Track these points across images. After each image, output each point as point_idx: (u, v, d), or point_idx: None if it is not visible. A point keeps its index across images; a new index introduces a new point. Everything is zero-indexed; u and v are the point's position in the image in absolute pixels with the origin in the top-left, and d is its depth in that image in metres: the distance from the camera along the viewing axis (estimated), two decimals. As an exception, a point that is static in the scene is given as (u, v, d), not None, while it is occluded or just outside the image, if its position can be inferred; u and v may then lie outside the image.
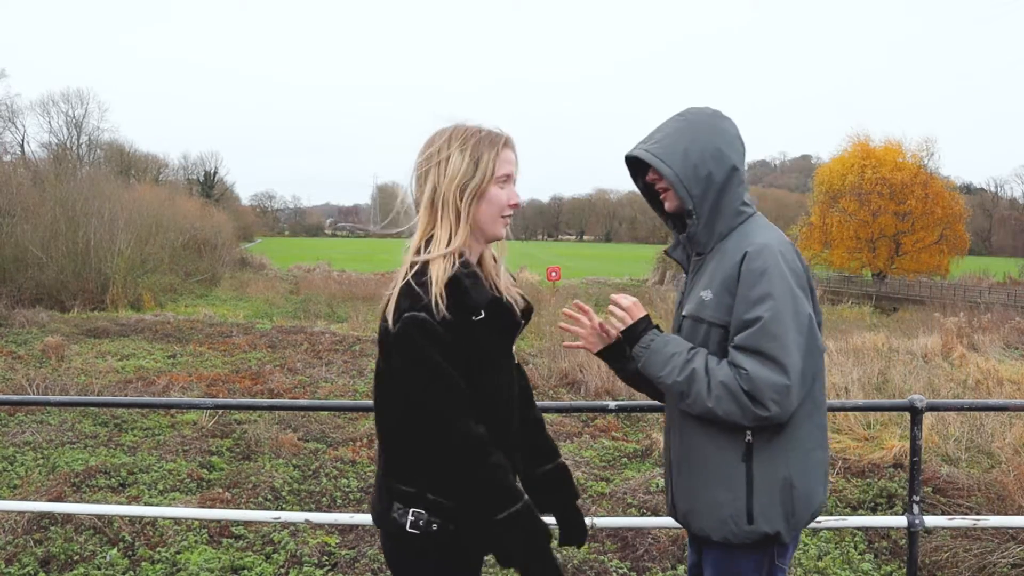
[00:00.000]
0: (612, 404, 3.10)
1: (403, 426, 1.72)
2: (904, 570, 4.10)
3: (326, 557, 4.35)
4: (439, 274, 1.69)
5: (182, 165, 75.29)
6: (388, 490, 1.77)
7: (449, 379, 1.66)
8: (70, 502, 5.20)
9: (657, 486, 5.78)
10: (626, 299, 1.95)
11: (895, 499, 5.64)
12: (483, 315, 1.72)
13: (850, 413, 7.87)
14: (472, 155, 1.75)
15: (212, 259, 33.50)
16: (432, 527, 1.71)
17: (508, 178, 1.81)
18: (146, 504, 5.35)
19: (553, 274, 32.22)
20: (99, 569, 4.15)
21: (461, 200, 1.75)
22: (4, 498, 5.41)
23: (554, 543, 1.80)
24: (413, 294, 1.68)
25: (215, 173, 78.54)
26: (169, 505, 5.34)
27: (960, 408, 3.80)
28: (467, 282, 1.71)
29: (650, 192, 2.01)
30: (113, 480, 5.85)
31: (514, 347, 1.92)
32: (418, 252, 1.75)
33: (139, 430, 7.59)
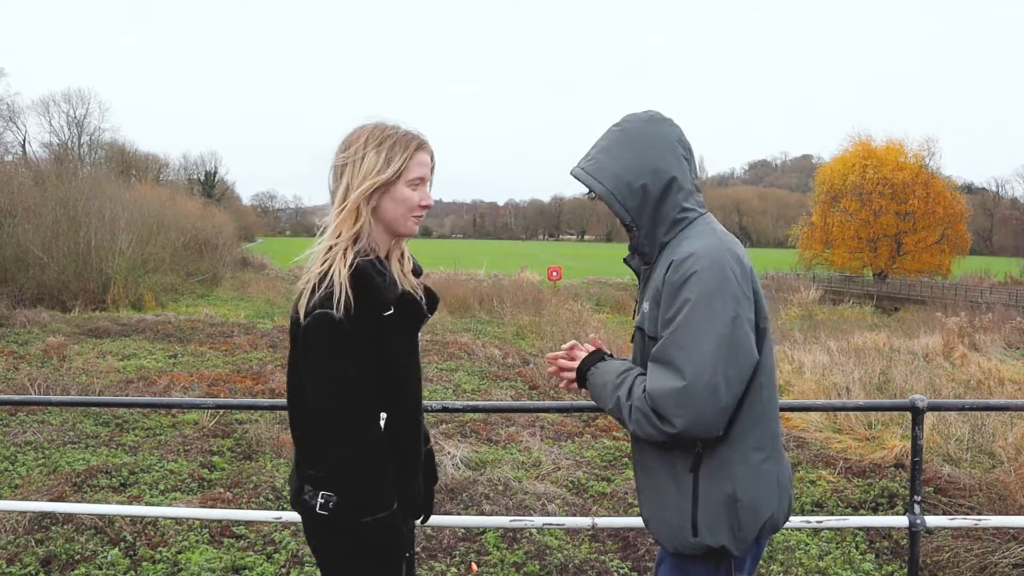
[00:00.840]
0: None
1: (310, 415, 1.77)
2: (905, 570, 4.10)
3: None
4: (349, 270, 1.74)
5: (182, 165, 75.29)
6: (300, 473, 1.83)
7: (351, 381, 1.72)
8: (71, 502, 5.20)
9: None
10: (561, 352, 2.01)
11: (896, 499, 5.63)
12: (392, 311, 1.79)
13: (851, 413, 7.88)
14: (386, 155, 1.80)
15: (213, 259, 33.47)
16: (339, 510, 1.76)
17: (421, 180, 1.86)
18: (147, 504, 5.35)
19: (554, 274, 32.23)
20: (100, 569, 4.15)
21: (371, 198, 1.80)
22: (5, 498, 5.42)
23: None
24: (324, 289, 1.72)
25: (215, 173, 78.57)
26: (170, 505, 5.35)
27: (961, 408, 3.79)
28: (377, 279, 1.77)
29: None
30: (114, 480, 5.85)
31: (419, 336, 2.00)
32: (330, 247, 1.79)
33: (140, 430, 7.60)
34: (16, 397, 3.90)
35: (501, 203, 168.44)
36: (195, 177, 74.80)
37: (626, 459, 6.91)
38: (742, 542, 1.76)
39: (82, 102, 52.60)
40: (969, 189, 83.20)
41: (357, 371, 1.72)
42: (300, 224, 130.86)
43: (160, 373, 10.74)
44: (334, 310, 1.69)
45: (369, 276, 1.76)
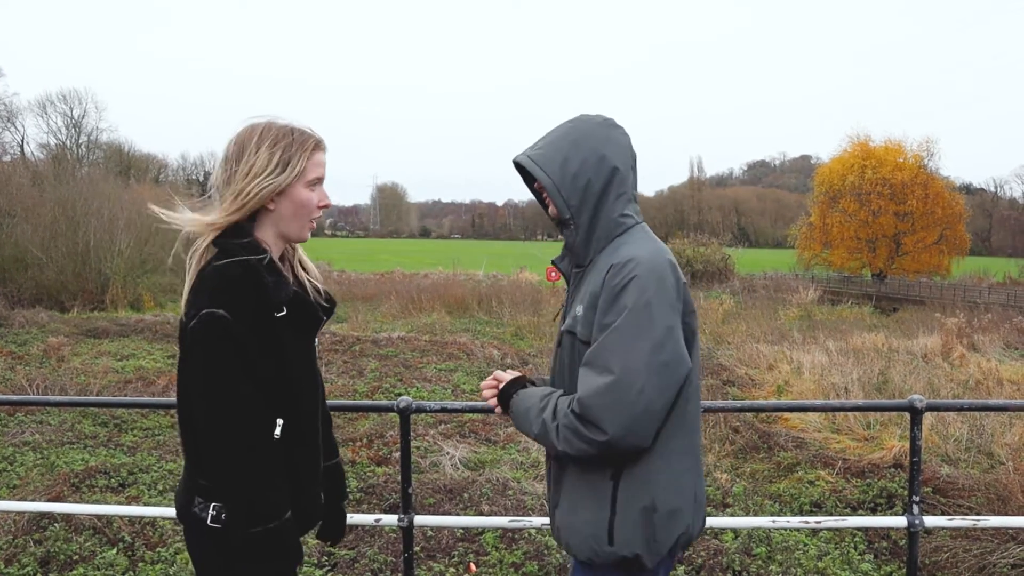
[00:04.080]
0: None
1: (198, 422, 1.70)
2: (904, 570, 4.10)
3: (326, 557, 4.35)
4: (240, 269, 1.68)
5: (181, 165, 75.37)
6: (190, 484, 1.77)
7: (239, 384, 1.65)
8: (70, 502, 5.20)
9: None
10: (490, 381, 1.99)
11: (895, 499, 5.63)
12: (285, 311, 1.73)
13: (850, 413, 7.88)
14: (282, 156, 1.74)
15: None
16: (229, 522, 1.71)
17: (319, 180, 1.81)
18: (146, 504, 5.34)
19: (553, 274, 32.22)
20: (98, 569, 4.15)
21: (266, 198, 1.74)
22: (4, 498, 5.41)
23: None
24: (212, 288, 1.66)
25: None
26: (169, 505, 5.34)
27: (960, 408, 3.79)
28: (269, 279, 1.71)
29: (541, 196, 1.97)
30: (113, 480, 5.84)
31: (316, 341, 1.94)
32: (218, 245, 1.73)
33: (139, 430, 7.59)
34: (14, 397, 3.90)
35: (500, 203, 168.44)
36: (194, 177, 74.80)
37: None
38: (656, 553, 1.74)
39: (79, 102, 52.55)
40: (968, 189, 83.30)
41: (246, 374, 1.66)
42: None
43: (159, 373, 10.73)
44: (224, 310, 1.62)
45: (259, 275, 1.69)
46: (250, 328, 1.66)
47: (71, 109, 52.26)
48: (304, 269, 1.91)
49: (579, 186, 1.79)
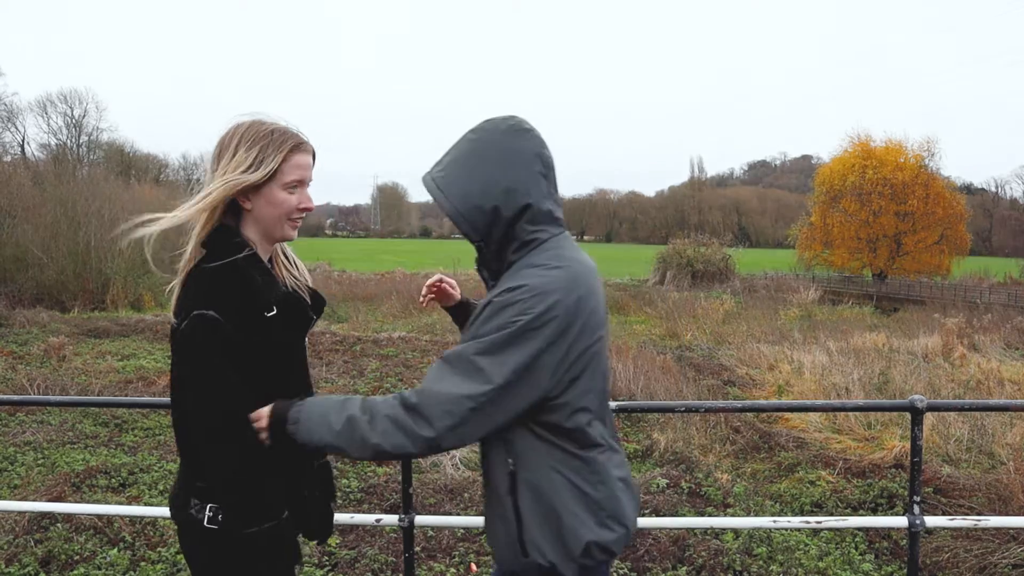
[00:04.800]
0: (612, 404, 3.09)
1: (193, 423, 1.70)
2: (905, 570, 4.10)
3: (326, 557, 4.35)
4: (230, 270, 1.68)
5: (182, 165, 75.18)
6: (186, 485, 1.76)
7: (231, 384, 1.65)
8: (70, 502, 5.20)
9: (658, 486, 5.78)
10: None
11: (896, 499, 5.63)
12: (275, 311, 1.72)
13: (851, 413, 7.88)
14: (257, 155, 1.72)
15: (213, 259, 33.42)
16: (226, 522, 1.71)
17: (299, 183, 1.78)
18: (146, 504, 5.34)
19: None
20: (99, 569, 4.15)
21: (229, 194, 1.72)
22: (4, 498, 5.42)
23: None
24: (202, 289, 1.66)
25: (215, 173, 78.43)
26: (169, 505, 5.33)
27: (961, 408, 3.79)
28: (257, 278, 1.72)
29: None
30: (113, 480, 5.85)
31: (307, 340, 1.94)
32: (204, 244, 1.73)
33: (139, 430, 7.60)
34: (15, 397, 3.90)
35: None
36: (195, 177, 74.32)
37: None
38: (570, 560, 1.73)
39: (80, 102, 52.62)
40: (968, 189, 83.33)
41: (237, 373, 1.65)
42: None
43: (159, 373, 10.74)
44: (214, 311, 1.62)
45: (249, 275, 1.70)
46: (240, 328, 1.65)
47: (71, 109, 52.36)
48: (294, 268, 1.91)
49: (486, 210, 1.70)
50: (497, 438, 1.73)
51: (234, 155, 1.72)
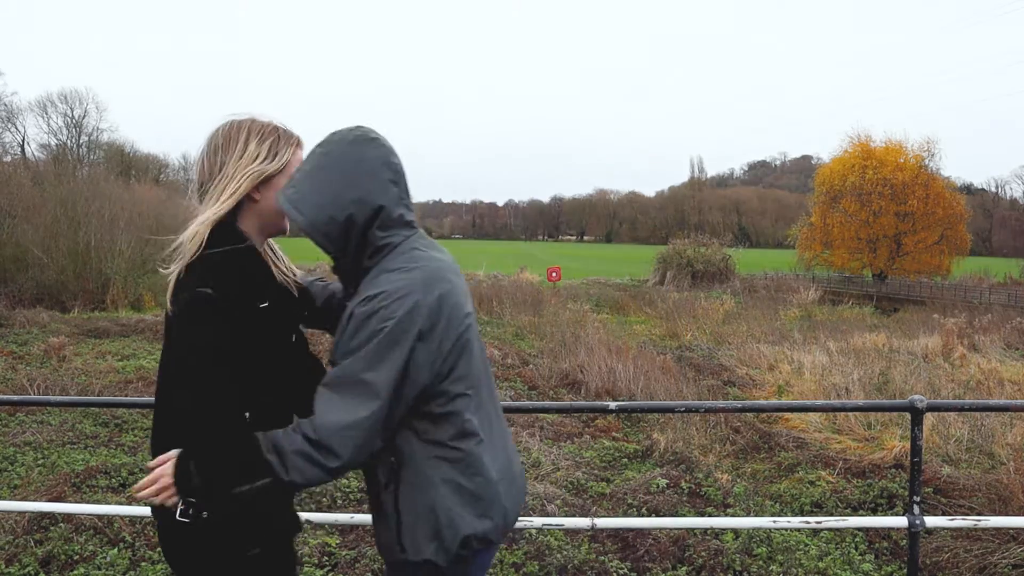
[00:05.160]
0: (612, 405, 3.09)
1: (176, 399, 1.72)
2: (905, 570, 4.10)
3: (326, 557, 4.34)
4: (229, 257, 1.73)
5: (182, 165, 75.18)
6: None
7: (224, 353, 1.66)
8: (70, 502, 5.20)
9: (658, 486, 5.78)
10: (146, 481, 1.75)
11: (896, 499, 5.63)
12: (268, 304, 1.76)
13: (851, 414, 7.88)
14: (271, 147, 1.80)
15: (213, 259, 33.41)
16: (202, 515, 1.72)
17: None
18: (146, 504, 5.34)
19: (553, 274, 32.26)
20: (100, 569, 4.15)
21: (254, 183, 1.78)
22: (4, 498, 5.42)
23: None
24: (202, 272, 1.69)
25: (215, 173, 78.38)
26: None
27: (961, 409, 3.79)
28: (256, 270, 1.76)
29: None
30: (114, 480, 5.84)
31: (306, 332, 1.98)
32: (202, 234, 1.76)
33: (140, 430, 7.59)
34: (15, 397, 3.90)
35: (500, 204, 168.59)
36: (196, 177, 74.62)
37: (626, 459, 6.91)
38: (447, 553, 1.76)
39: (80, 102, 52.60)
40: (968, 190, 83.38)
41: (232, 349, 1.67)
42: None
43: (159, 373, 10.72)
44: (209, 289, 1.66)
45: (247, 264, 1.75)
46: (234, 312, 1.68)
47: (72, 109, 52.35)
48: (281, 263, 1.94)
49: (339, 223, 1.73)
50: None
51: (246, 148, 1.78)
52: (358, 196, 1.74)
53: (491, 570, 4.25)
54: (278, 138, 1.81)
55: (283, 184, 1.80)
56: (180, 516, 1.71)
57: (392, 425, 1.71)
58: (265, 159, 1.78)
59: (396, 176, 1.80)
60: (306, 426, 1.66)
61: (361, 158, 1.76)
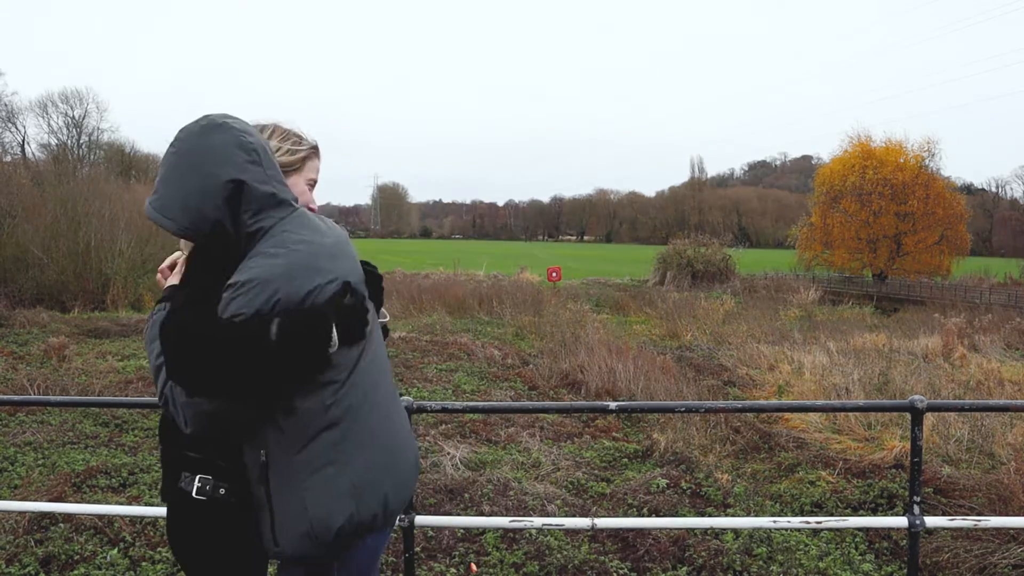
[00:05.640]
0: (612, 405, 3.09)
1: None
2: (905, 571, 4.10)
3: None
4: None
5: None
6: (175, 462, 1.80)
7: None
8: (71, 502, 5.20)
9: (658, 486, 5.78)
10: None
11: (896, 499, 5.63)
12: None
13: (851, 414, 7.89)
14: (291, 145, 1.96)
15: (213, 259, 33.41)
16: (220, 491, 1.76)
17: (313, 183, 2.01)
18: (147, 504, 5.34)
19: (554, 274, 32.25)
20: (99, 569, 4.15)
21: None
22: (5, 498, 5.42)
23: None
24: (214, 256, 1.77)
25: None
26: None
27: (961, 409, 3.80)
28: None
29: None
30: (114, 480, 5.85)
31: None
32: None
33: (140, 430, 7.60)
34: (16, 397, 3.90)
35: (501, 204, 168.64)
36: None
37: (626, 459, 6.91)
38: (322, 547, 1.75)
39: (80, 102, 52.57)
40: (969, 190, 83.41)
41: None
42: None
43: (160, 373, 10.71)
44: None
45: None
46: None
47: (72, 109, 52.28)
48: None
49: (209, 216, 1.69)
50: (249, 432, 1.76)
51: (269, 143, 1.89)
52: (219, 184, 1.69)
53: (491, 570, 4.26)
54: (297, 140, 1.96)
55: (301, 184, 1.93)
56: (197, 494, 1.75)
57: (250, 414, 1.71)
58: (286, 153, 1.92)
59: (254, 156, 1.74)
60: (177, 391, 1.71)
61: (211, 146, 1.70)
